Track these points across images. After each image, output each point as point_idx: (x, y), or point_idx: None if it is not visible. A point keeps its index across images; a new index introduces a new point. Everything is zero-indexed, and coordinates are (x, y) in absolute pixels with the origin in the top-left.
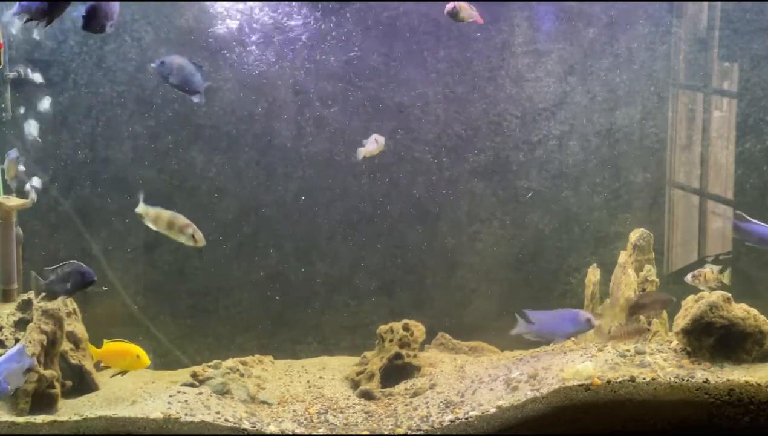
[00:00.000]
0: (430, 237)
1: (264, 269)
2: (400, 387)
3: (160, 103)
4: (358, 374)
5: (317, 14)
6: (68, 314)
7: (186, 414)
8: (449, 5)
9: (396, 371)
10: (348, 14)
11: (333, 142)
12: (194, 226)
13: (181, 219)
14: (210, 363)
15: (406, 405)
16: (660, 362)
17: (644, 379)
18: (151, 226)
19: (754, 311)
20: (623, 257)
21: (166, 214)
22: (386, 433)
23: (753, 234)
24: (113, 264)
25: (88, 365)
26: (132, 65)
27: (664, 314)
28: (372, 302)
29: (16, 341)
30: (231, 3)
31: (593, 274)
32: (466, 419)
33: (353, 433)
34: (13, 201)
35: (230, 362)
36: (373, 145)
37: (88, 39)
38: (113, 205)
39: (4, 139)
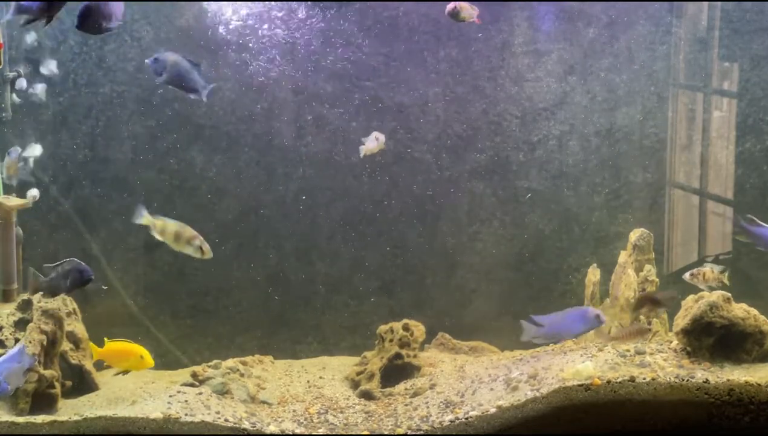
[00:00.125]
0: (430, 237)
1: (264, 269)
2: (400, 387)
3: (160, 103)
4: (358, 374)
5: (317, 14)
6: (68, 314)
7: (186, 414)
8: (450, 5)
9: (396, 371)
10: (348, 14)
11: (333, 142)
12: (201, 237)
13: (189, 231)
14: (210, 363)
15: (406, 405)
16: (660, 362)
17: (644, 379)
18: (157, 237)
19: (754, 311)
20: (623, 257)
21: (172, 225)
22: (386, 433)
23: (763, 238)
24: (113, 264)
25: (88, 365)
26: (132, 65)
27: (664, 314)
28: (372, 302)
29: (16, 341)
30: (231, 3)
31: (593, 274)
32: (466, 419)
33: (353, 433)
34: (13, 201)
35: (230, 362)
36: (373, 143)
37: (88, 39)
38: (113, 205)
39: (5, 139)
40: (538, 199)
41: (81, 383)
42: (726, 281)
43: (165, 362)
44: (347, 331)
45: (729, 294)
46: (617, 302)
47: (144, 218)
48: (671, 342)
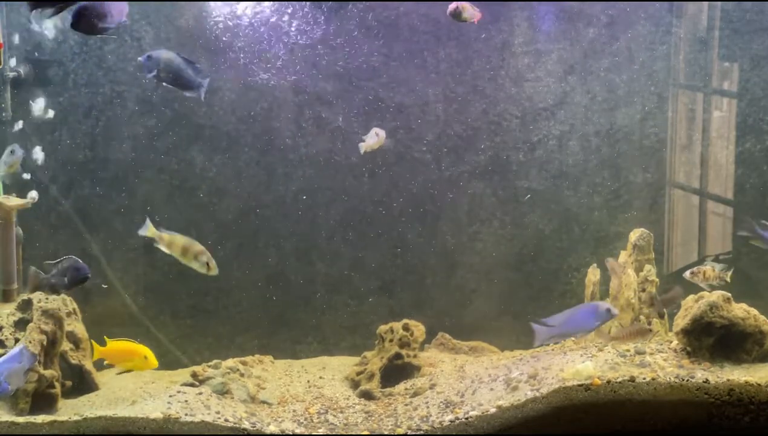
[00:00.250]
0: (430, 237)
1: (264, 269)
2: (400, 387)
3: (160, 103)
4: (358, 374)
5: (317, 14)
6: (68, 314)
7: (186, 414)
8: (452, 5)
9: (396, 371)
10: (348, 14)
11: (333, 142)
12: (209, 253)
13: (196, 246)
14: (210, 363)
15: (406, 405)
16: (660, 362)
17: (644, 379)
18: (164, 250)
19: (754, 311)
20: (623, 257)
21: (180, 239)
22: (386, 433)
23: None
24: (113, 264)
25: (88, 365)
26: (132, 65)
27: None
28: (372, 302)
29: (16, 341)
30: (231, 3)
31: (593, 274)
32: (466, 419)
33: (353, 433)
34: (13, 201)
35: (230, 362)
36: (373, 139)
37: (88, 39)
38: (113, 205)
39: (5, 139)
40: (538, 199)
41: (81, 383)
42: (728, 279)
43: (165, 362)
44: (347, 331)
45: (729, 294)
46: (617, 302)
47: (149, 230)
48: (671, 342)
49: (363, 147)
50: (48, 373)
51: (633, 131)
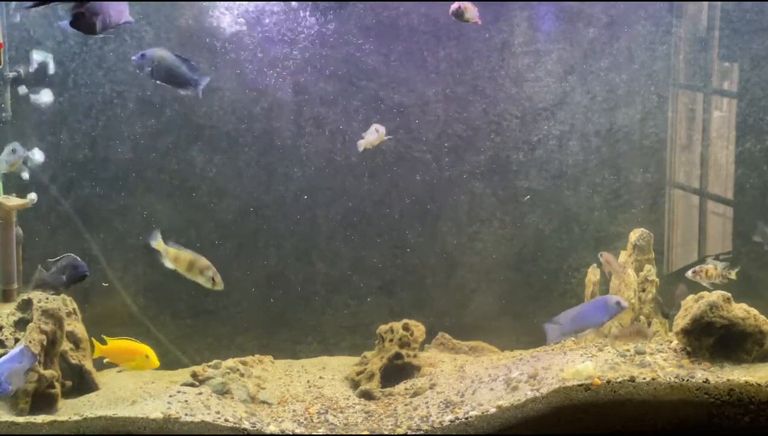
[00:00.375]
0: (430, 237)
1: (264, 269)
2: (400, 387)
3: (160, 103)
4: (358, 374)
5: (317, 14)
6: (68, 314)
7: (186, 414)
8: (454, 5)
9: (396, 371)
10: (348, 14)
11: (333, 142)
12: (214, 269)
13: (202, 261)
14: (210, 363)
15: (406, 405)
16: (660, 362)
17: (644, 379)
18: (169, 265)
19: (754, 311)
20: (623, 256)
21: (186, 255)
22: (386, 433)
23: None
24: (113, 264)
25: (88, 365)
26: (132, 65)
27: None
28: (372, 302)
29: (16, 341)
30: (231, 3)
31: (593, 274)
32: (466, 419)
33: (353, 433)
34: (13, 201)
35: (230, 362)
36: (373, 135)
37: (88, 39)
38: (113, 205)
39: (5, 139)
40: (538, 199)
41: (81, 383)
42: (734, 277)
43: (165, 362)
44: (347, 331)
45: (729, 294)
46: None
47: (158, 244)
48: (671, 342)
49: (362, 144)
50: (48, 373)
51: (633, 131)
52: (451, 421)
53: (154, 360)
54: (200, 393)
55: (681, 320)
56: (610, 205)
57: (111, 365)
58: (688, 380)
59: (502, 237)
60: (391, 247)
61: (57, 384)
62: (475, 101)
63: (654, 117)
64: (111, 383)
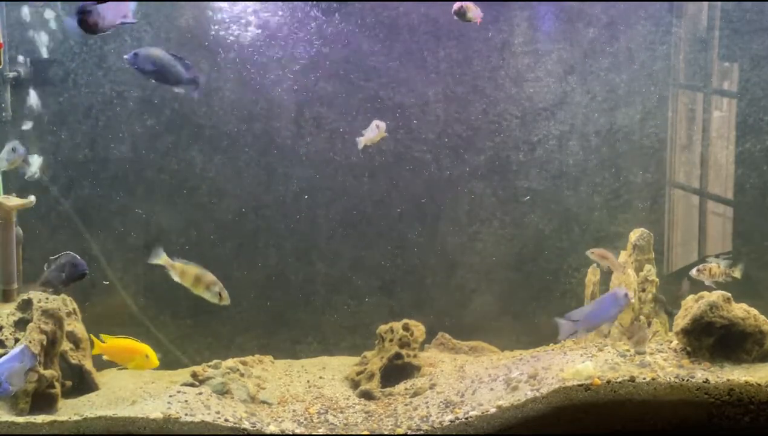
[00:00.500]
0: (430, 237)
1: (264, 269)
2: (400, 387)
3: (160, 103)
4: (358, 374)
5: (317, 14)
6: (68, 314)
7: (186, 414)
8: (456, 5)
9: (396, 371)
10: (348, 14)
11: (333, 142)
12: (221, 284)
13: (208, 276)
14: (210, 363)
15: (406, 405)
16: (660, 362)
17: (644, 379)
18: (176, 279)
19: (754, 311)
20: (623, 256)
21: (192, 269)
22: (386, 433)
23: None
24: (113, 264)
25: (88, 365)
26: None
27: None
28: (372, 302)
29: (16, 341)
30: (231, 3)
31: (593, 274)
32: (466, 419)
33: (353, 433)
34: (13, 201)
35: (230, 362)
36: (374, 132)
37: (88, 39)
38: (113, 205)
39: (5, 139)
40: (538, 199)
41: (81, 383)
42: (738, 275)
43: (165, 362)
44: (347, 331)
45: (729, 294)
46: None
47: (162, 259)
48: (671, 342)
49: (362, 141)
50: (48, 373)
51: (633, 131)
52: (451, 421)
53: (154, 359)
54: (200, 393)
55: (681, 320)
56: (610, 205)
57: (111, 365)
58: (688, 380)
59: (502, 237)
60: (391, 247)
61: (57, 384)
62: (475, 101)
63: (654, 117)
64: (111, 383)
